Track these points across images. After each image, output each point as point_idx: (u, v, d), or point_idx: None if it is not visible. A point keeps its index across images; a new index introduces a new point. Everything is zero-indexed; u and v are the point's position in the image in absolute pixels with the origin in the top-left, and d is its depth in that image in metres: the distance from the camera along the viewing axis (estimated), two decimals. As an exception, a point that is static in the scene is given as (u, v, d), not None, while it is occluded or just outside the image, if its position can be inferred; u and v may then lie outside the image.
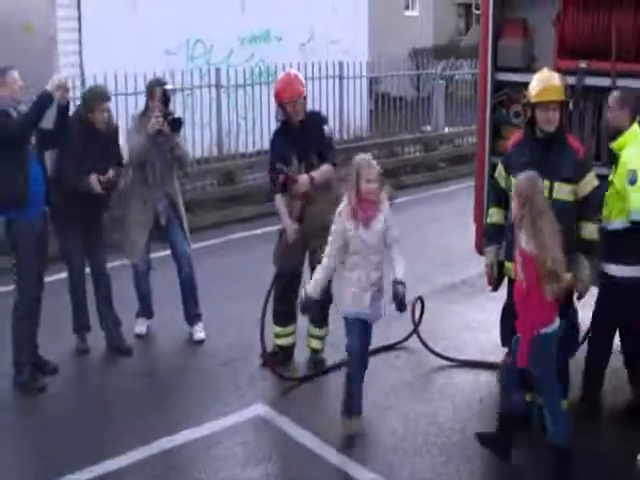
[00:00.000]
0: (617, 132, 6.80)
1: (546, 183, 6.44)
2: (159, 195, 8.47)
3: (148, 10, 15.04)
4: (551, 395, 6.24)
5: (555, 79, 6.60)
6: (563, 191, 6.47)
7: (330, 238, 6.78)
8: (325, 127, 7.94)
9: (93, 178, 7.86)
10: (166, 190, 8.50)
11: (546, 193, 6.44)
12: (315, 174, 7.70)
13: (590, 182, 6.52)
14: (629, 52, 7.22)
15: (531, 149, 6.61)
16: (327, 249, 6.80)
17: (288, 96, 7.74)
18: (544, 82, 6.55)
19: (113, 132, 8.23)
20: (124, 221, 8.63)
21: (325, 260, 6.82)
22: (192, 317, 8.71)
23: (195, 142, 13.96)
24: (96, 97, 8.02)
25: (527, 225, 5.87)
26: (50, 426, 7.08)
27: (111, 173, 7.97)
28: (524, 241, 5.87)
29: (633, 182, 6.58)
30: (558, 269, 5.82)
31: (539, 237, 5.81)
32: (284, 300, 8.06)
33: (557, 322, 6.10)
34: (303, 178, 7.66)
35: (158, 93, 8.32)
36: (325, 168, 7.80)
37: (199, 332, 8.66)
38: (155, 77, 9.50)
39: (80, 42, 14.74)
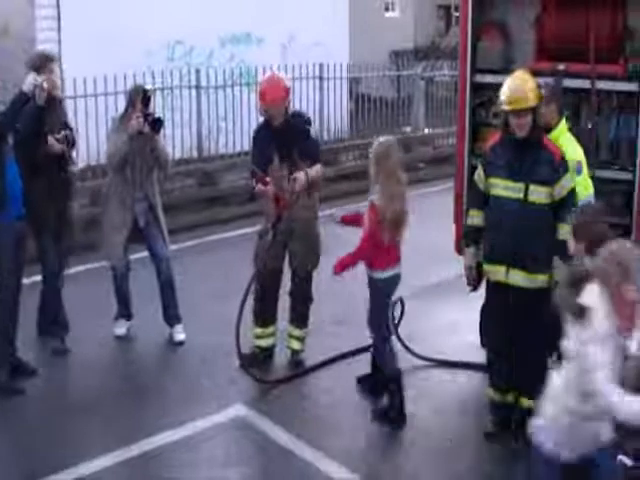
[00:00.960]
0: (546, 129, 6.80)
1: (521, 185, 6.48)
2: (138, 197, 8.45)
3: (128, 10, 14.99)
4: (379, 332, 7.22)
5: (525, 85, 6.53)
6: (538, 194, 6.47)
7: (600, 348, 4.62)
8: (311, 129, 7.96)
9: (50, 138, 7.88)
10: (145, 192, 8.48)
11: (521, 196, 6.47)
12: (311, 172, 7.76)
13: (567, 184, 6.51)
14: (607, 54, 7.27)
15: (507, 151, 6.61)
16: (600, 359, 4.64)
17: (270, 99, 7.74)
18: (514, 90, 6.51)
19: (57, 98, 8.25)
20: (103, 223, 8.60)
21: (608, 373, 4.61)
22: (172, 319, 8.68)
23: (175, 143, 13.91)
24: (43, 57, 8.02)
25: (380, 181, 6.87)
26: (28, 428, 7.04)
27: (63, 133, 8.04)
28: (376, 194, 6.85)
29: (580, 172, 6.70)
30: (398, 219, 6.94)
31: (387, 191, 6.84)
32: (264, 301, 8.06)
33: (395, 270, 7.13)
34: (300, 176, 7.66)
35: (139, 98, 8.30)
36: (317, 168, 7.85)
37: (179, 333, 8.64)
38: (136, 84, 9.48)
39: (59, 42, 14.68)
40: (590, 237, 5.26)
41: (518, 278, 6.56)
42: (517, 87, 6.52)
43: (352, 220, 7.37)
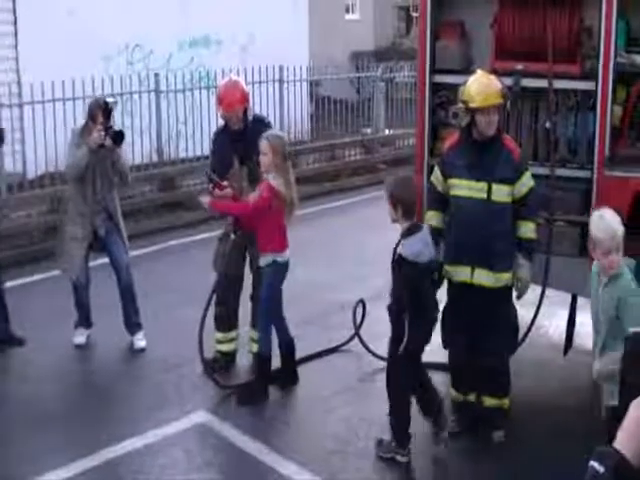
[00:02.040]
0: None
1: (484, 185, 6.48)
2: (97, 209, 8.36)
3: (86, 14, 14.89)
4: (264, 315, 7.57)
5: (494, 82, 6.59)
6: (501, 193, 6.50)
7: None
8: None
9: None
10: (105, 204, 8.39)
11: (484, 195, 6.47)
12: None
13: (527, 182, 6.56)
14: (564, 54, 7.30)
15: (467, 152, 6.61)
16: None
17: (227, 104, 7.71)
18: (485, 87, 6.52)
19: None
20: (63, 234, 8.50)
21: None
22: (132, 326, 8.60)
23: (135, 148, 13.80)
24: None
25: (277, 169, 7.22)
26: (-13, 439, 6.95)
27: None
28: (276, 182, 7.20)
29: None
30: (294, 200, 7.39)
31: (285, 179, 7.27)
32: (225, 305, 8.01)
33: (287, 255, 7.51)
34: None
35: (100, 111, 8.19)
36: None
37: (140, 340, 8.56)
38: (97, 97, 9.37)
39: (16, 47, 14.56)
40: (405, 204, 6.24)
41: (483, 278, 6.56)
42: (487, 85, 6.54)
43: (221, 206, 7.65)
